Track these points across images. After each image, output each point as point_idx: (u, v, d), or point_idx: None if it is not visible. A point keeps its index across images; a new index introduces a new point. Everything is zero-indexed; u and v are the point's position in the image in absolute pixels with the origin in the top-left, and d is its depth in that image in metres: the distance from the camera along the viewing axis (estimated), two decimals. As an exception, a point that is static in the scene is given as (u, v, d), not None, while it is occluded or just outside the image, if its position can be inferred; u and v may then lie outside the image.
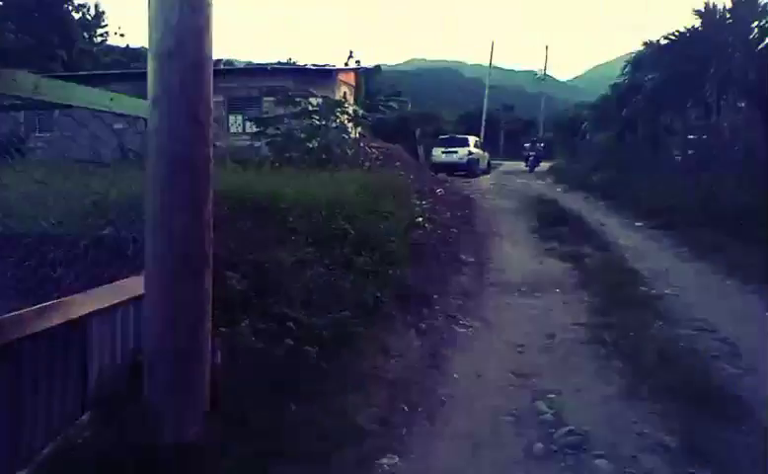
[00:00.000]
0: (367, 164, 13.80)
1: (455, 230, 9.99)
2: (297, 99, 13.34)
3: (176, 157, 2.55)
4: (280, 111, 13.54)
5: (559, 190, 19.30)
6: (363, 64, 25.31)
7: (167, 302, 2.70)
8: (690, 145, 16.71)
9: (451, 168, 24.47)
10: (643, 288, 6.93)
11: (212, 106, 2.71)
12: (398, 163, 16.55)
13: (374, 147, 16.90)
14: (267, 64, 19.24)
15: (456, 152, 25.24)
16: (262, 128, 12.83)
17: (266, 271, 4.37)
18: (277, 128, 12.75)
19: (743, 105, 13.85)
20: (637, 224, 11.90)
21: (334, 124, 13.92)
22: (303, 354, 3.71)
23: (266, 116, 13.44)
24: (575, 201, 15.84)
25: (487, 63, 46.30)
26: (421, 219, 9.25)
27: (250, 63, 18.92)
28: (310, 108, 13.50)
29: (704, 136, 16.27)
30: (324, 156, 12.39)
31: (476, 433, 3.51)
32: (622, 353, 4.74)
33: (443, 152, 25.42)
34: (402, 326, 4.99)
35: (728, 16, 14.82)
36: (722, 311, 5.86)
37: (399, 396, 3.82)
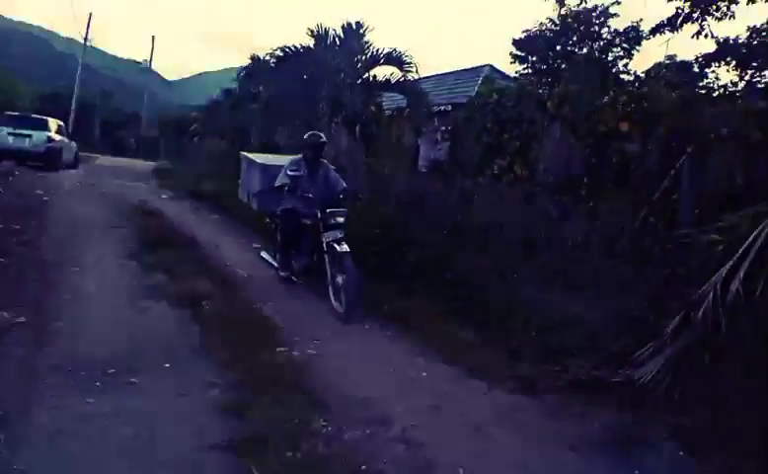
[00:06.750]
0: None
1: (2, 260, 6.38)
2: None
3: None
4: None
5: (165, 197, 16.65)
6: None
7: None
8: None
9: (23, 156, 18.83)
10: (283, 350, 5.30)
11: None
12: None
13: None
14: None
15: (30, 137, 19.54)
16: None
17: None
18: None
19: (352, 130, 14.37)
20: (255, 246, 10.48)
21: None
22: None
23: None
24: (183, 213, 13.57)
25: (82, 39, 39.17)
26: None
27: None
28: None
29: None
30: None
31: None
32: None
33: (11, 134, 19.33)
34: None
35: (337, 42, 15.25)
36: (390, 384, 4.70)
37: None
